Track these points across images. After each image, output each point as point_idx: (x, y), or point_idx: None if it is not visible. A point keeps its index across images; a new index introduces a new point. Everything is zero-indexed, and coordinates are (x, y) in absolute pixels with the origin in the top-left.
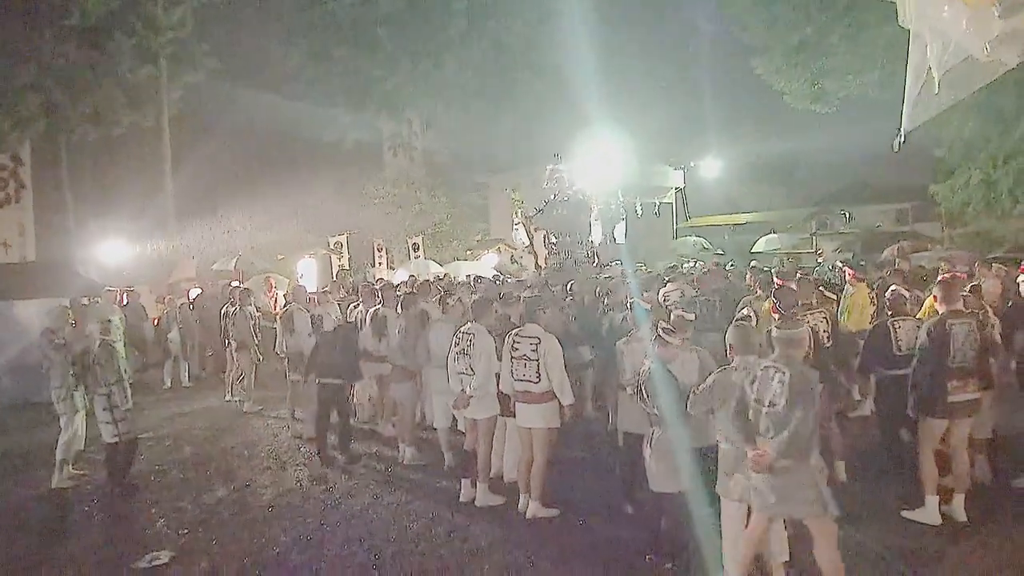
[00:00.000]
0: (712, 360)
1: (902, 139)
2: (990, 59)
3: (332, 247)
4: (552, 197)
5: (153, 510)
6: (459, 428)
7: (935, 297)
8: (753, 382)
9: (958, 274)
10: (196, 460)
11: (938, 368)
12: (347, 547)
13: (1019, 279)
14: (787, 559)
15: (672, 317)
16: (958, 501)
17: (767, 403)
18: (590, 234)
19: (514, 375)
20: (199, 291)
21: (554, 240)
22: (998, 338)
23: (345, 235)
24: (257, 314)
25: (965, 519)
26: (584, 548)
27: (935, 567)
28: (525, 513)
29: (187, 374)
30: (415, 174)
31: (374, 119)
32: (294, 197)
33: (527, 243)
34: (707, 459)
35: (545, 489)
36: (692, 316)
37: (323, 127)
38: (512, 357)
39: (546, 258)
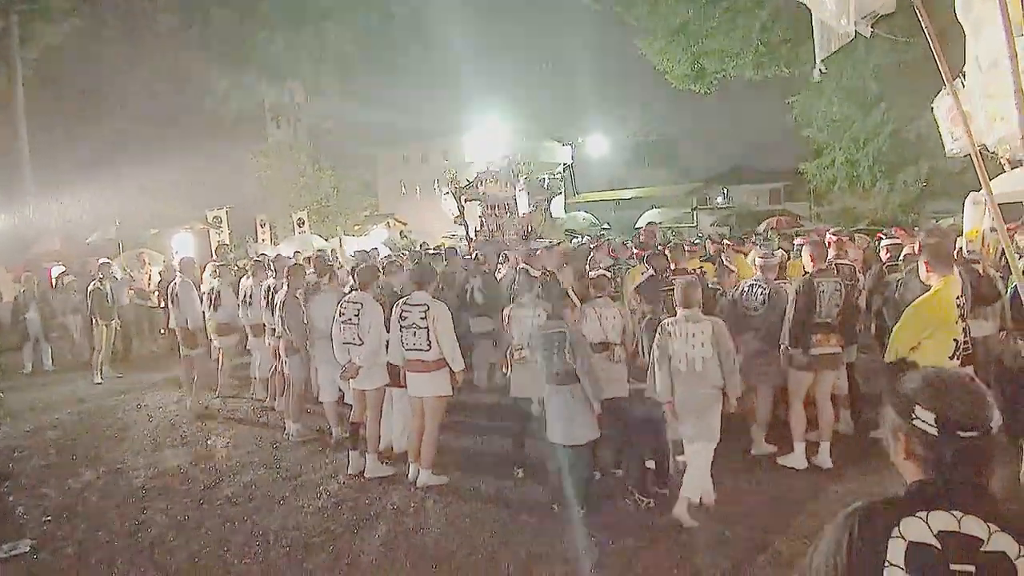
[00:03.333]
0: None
1: (822, 68)
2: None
3: (210, 221)
4: (485, 168)
5: (11, 497)
6: (347, 401)
7: (810, 256)
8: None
9: (840, 239)
10: (61, 445)
11: (804, 323)
12: (228, 526)
13: (882, 243)
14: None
15: (592, 276)
16: (824, 450)
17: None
18: (516, 206)
19: (404, 344)
20: (63, 268)
21: (484, 212)
22: (863, 302)
23: (224, 209)
24: (131, 292)
25: (830, 466)
26: (474, 512)
27: (804, 507)
28: (415, 482)
29: (50, 357)
30: (299, 146)
31: (255, 86)
32: (169, 167)
33: (457, 214)
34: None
35: (434, 457)
36: (611, 275)
37: (200, 93)
38: (401, 327)
39: (476, 230)
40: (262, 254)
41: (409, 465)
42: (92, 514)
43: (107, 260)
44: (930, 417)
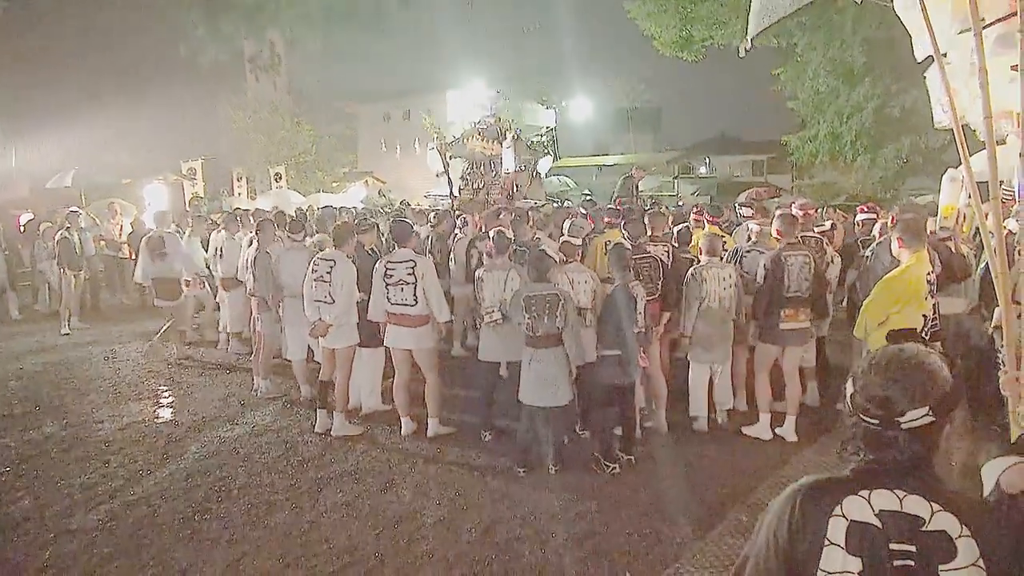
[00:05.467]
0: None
1: (749, 45)
2: None
3: (185, 173)
4: (471, 125)
5: None
6: (316, 359)
7: (777, 230)
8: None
9: (807, 212)
10: (23, 396)
11: (774, 297)
12: (191, 480)
13: (858, 217)
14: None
15: (561, 242)
16: (789, 423)
17: None
18: (502, 164)
19: (390, 299)
20: (31, 215)
21: (469, 170)
22: (836, 274)
23: (200, 160)
24: (100, 242)
25: (795, 438)
26: (439, 474)
27: (766, 477)
28: (401, 434)
29: (16, 307)
30: (279, 100)
31: (234, 36)
32: (142, 116)
33: (441, 171)
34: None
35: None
36: (579, 241)
37: (175, 40)
38: (387, 283)
39: (460, 188)
40: (237, 208)
41: (401, 420)
42: (52, 466)
43: (75, 209)
44: (848, 394)
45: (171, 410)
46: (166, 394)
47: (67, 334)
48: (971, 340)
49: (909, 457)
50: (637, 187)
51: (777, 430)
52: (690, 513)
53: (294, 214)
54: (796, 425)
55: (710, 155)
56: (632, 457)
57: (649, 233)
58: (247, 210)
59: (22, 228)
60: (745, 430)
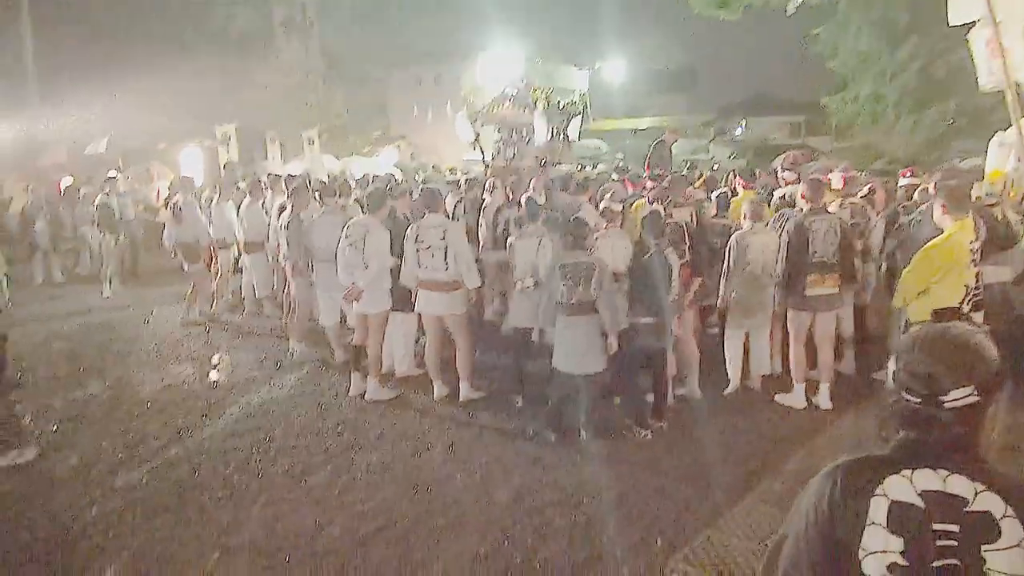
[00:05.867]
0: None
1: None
2: None
3: (219, 138)
4: (502, 91)
5: (19, 407)
6: (349, 324)
7: (802, 195)
8: None
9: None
10: (68, 357)
11: (799, 263)
12: (229, 441)
13: (900, 183)
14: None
15: (602, 208)
16: (823, 390)
17: None
18: (534, 131)
19: (421, 265)
20: (71, 179)
21: (500, 137)
22: (878, 241)
23: (234, 125)
24: (139, 206)
25: (830, 406)
26: (472, 438)
27: (799, 446)
28: (440, 400)
29: (59, 270)
30: (311, 64)
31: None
32: (177, 81)
33: (472, 139)
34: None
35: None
36: (620, 206)
37: (209, 4)
38: (418, 249)
39: (493, 155)
40: (270, 173)
41: (434, 384)
42: (96, 426)
43: (113, 174)
44: (891, 371)
45: (209, 372)
46: (203, 356)
47: (108, 297)
48: (1015, 309)
49: (952, 437)
50: (671, 151)
51: (812, 399)
52: (722, 481)
53: (326, 179)
54: (831, 393)
55: (746, 117)
56: (664, 424)
57: (670, 199)
58: (279, 176)
59: (62, 192)
60: (778, 398)
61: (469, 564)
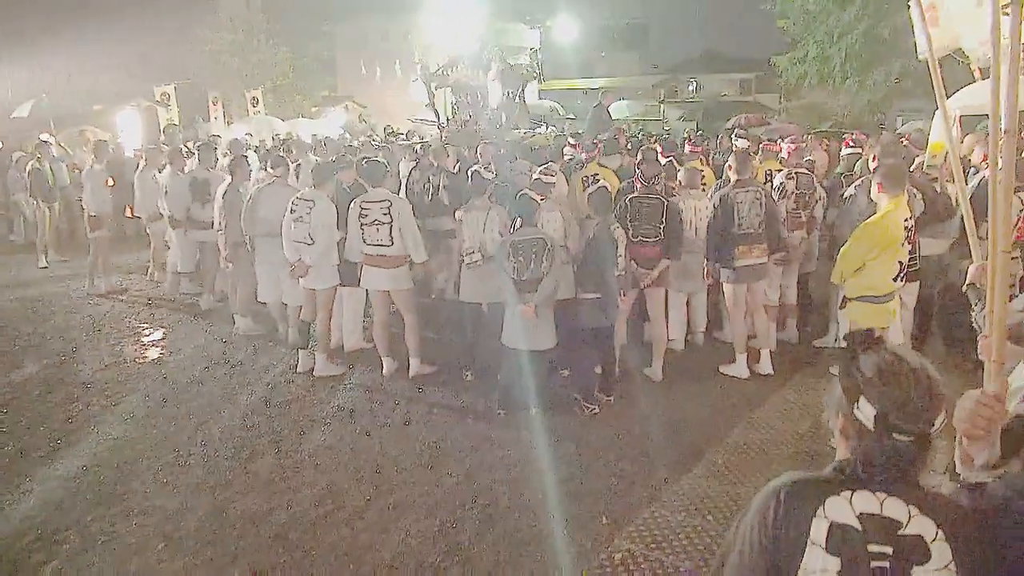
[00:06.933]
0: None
1: None
2: None
3: (158, 98)
4: (456, 53)
5: None
6: (283, 301)
7: (729, 166)
8: None
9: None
10: (2, 333)
11: (725, 235)
12: (173, 423)
13: (842, 152)
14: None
15: (533, 181)
16: (764, 356)
17: None
18: (488, 95)
19: (365, 240)
20: (0, 145)
21: (455, 99)
22: (821, 211)
23: (173, 85)
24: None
25: (771, 371)
26: (421, 415)
27: (742, 417)
28: (383, 374)
29: None
30: (253, 19)
31: None
32: (112, 38)
33: (427, 101)
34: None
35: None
36: (554, 179)
37: None
38: (362, 224)
39: (448, 118)
40: (214, 135)
41: (383, 360)
42: (34, 409)
43: (46, 139)
44: (870, 413)
45: (152, 349)
46: (146, 332)
47: (44, 267)
48: (949, 277)
49: (907, 462)
50: (609, 114)
51: (754, 367)
52: (667, 455)
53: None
54: (772, 360)
55: (696, 74)
56: (611, 398)
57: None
58: (218, 136)
59: None
60: (723, 369)
61: (418, 544)
